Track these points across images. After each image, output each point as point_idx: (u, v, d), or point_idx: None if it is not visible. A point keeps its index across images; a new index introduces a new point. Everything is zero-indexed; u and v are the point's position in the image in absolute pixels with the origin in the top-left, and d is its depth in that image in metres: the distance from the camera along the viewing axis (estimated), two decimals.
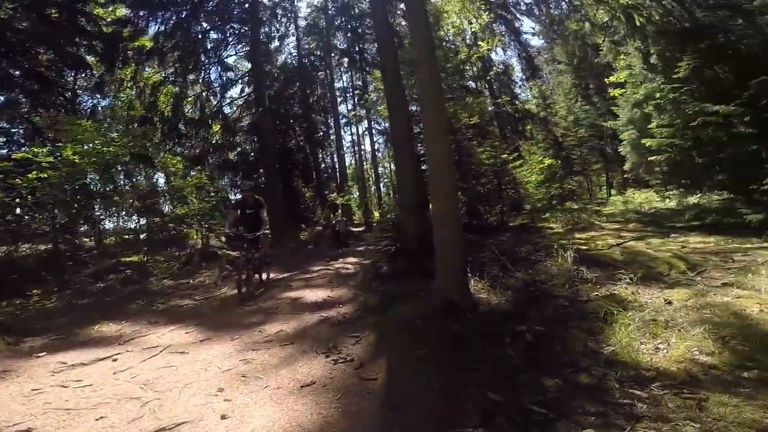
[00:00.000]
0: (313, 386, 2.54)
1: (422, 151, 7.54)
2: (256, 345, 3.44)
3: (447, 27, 12.62)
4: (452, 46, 14.05)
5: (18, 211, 5.63)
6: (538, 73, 19.76)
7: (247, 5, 14.20)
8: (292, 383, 2.61)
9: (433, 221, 3.97)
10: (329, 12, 19.49)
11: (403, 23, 14.28)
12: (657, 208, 10.92)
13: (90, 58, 11.21)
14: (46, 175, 5.17)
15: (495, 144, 8.15)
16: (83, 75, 11.77)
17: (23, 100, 9.76)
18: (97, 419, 2.19)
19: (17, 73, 9.46)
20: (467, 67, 14.65)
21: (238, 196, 16.06)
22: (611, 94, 15.53)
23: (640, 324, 2.79)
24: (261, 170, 14.78)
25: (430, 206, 6.44)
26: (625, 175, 17.24)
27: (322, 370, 2.80)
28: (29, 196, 5.28)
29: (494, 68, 16.78)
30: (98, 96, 12.76)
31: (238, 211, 5.72)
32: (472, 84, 16.05)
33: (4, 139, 9.85)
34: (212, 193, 9.82)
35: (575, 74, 19.83)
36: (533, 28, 18.21)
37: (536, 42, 20.12)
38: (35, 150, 5.29)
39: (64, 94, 10.63)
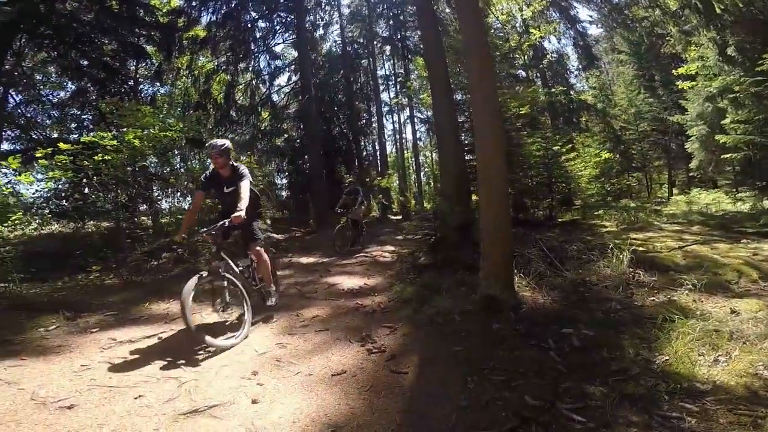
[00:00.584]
0: (344, 375, 2.53)
1: (467, 141, 7.33)
2: (292, 329, 3.49)
3: (496, 14, 12.08)
4: (501, 34, 13.46)
5: (85, 190, 6.13)
6: (596, 63, 18.43)
7: None
8: (323, 371, 2.61)
9: (480, 212, 3.81)
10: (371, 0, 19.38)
11: (447, 10, 13.90)
12: (726, 211, 9.86)
13: (149, 48, 11.89)
14: (110, 157, 5.56)
15: (546, 135, 7.69)
16: (144, 64, 12.53)
17: (91, 88, 10.54)
18: (135, 398, 2.27)
19: (85, 62, 10.21)
20: (517, 55, 13.99)
21: (284, 181, 16.56)
22: (679, 87, 14.17)
23: (700, 334, 2.52)
24: (306, 156, 15.10)
25: (475, 197, 6.28)
26: (691, 174, 15.75)
27: (353, 359, 2.79)
28: (95, 177, 5.71)
29: (547, 57, 15.88)
30: (157, 84, 13.56)
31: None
32: (522, 73, 15.30)
33: (75, 124, 10.75)
34: (260, 178, 10.17)
35: (638, 64, 18.23)
36: (590, 16, 16.91)
37: (594, 30, 18.76)
38: (101, 134, 5.69)
39: (127, 82, 11.38)
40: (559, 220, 7.51)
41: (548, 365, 2.43)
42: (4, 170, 6.15)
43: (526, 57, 14.98)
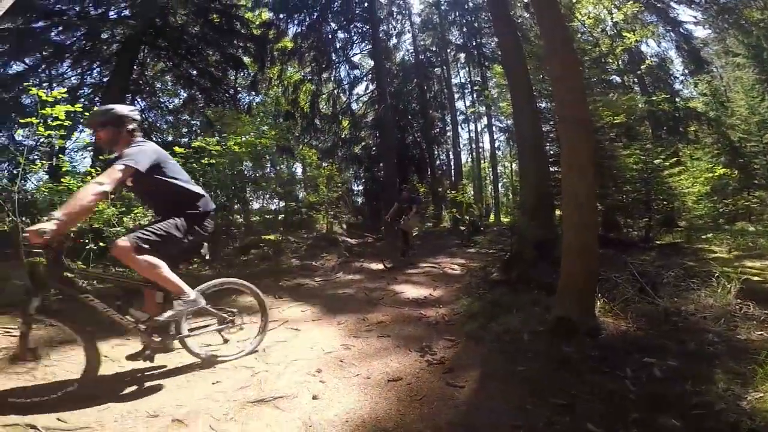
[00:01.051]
0: (400, 382, 2.54)
1: (551, 152, 6.91)
2: (357, 332, 3.58)
3: (582, 17, 11.25)
4: (589, 38, 12.50)
5: None
6: (706, 67, 16.16)
7: (366, 4, 15.01)
8: (381, 375, 2.64)
9: (564, 229, 3.55)
10: (442, 7, 19.29)
11: (526, 15, 13.33)
12: None
13: (246, 59, 13.24)
14: (214, 161, 6.27)
15: (646, 146, 6.94)
16: (242, 74, 13.99)
17: (199, 96, 12.05)
18: (213, 383, 2.48)
19: (194, 72, 11.71)
20: (609, 60, 12.87)
21: (360, 188, 17.12)
22: None
23: None
24: (381, 164, 15.49)
25: (558, 212, 5.89)
26: None
27: (411, 367, 2.78)
28: (201, 179, 6.48)
29: (646, 61, 14.36)
30: (253, 93, 15.05)
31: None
32: (617, 78, 14.02)
33: (186, 129, 12.34)
34: (339, 184, 10.69)
35: (760, 68, 15.53)
36: (695, 17, 14.86)
37: (702, 32, 16.49)
38: (207, 139, 6.46)
39: (228, 91, 12.80)
40: (657, 242, 6.71)
41: (620, 394, 2.23)
42: None
43: (620, 62, 13.71)
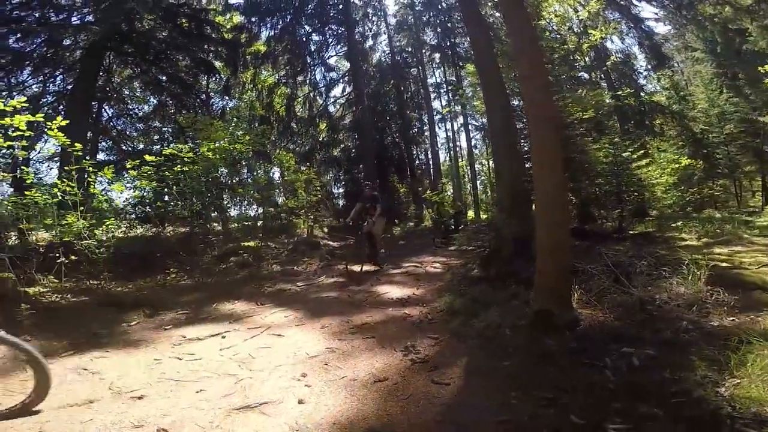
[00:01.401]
0: (386, 383, 2.56)
1: (526, 148, 7.06)
2: (342, 335, 3.58)
3: (549, 15, 11.55)
4: (557, 36, 12.86)
5: (165, 198, 6.80)
6: (668, 62, 16.87)
7: (341, 6, 15.00)
8: (367, 377, 2.66)
9: (537, 226, 3.63)
10: (417, 8, 19.48)
11: (497, 14, 13.59)
12: None
13: (217, 64, 13.00)
14: (187, 169, 6.14)
15: (614, 140, 7.16)
16: (213, 79, 13.73)
17: (170, 102, 11.75)
18: (197, 391, 2.47)
19: (164, 78, 11.41)
20: (577, 57, 13.27)
21: (341, 190, 16.98)
22: None
23: None
24: (360, 166, 15.48)
25: (533, 207, 6.01)
26: None
27: (396, 367, 2.81)
28: (174, 186, 6.33)
29: (611, 58, 14.87)
30: (226, 98, 14.79)
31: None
32: (585, 75, 14.46)
33: (157, 136, 12.01)
34: (318, 187, 10.63)
35: (717, 62, 16.34)
36: (656, 14, 15.48)
37: (662, 28, 17.21)
38: (179, 146, 6.31)
39: (200, 96, 12.53)
40: (630, 232, 6.92)
41: (600, 384, 2.28)
42: (99, 179, 7.03)
43: (587, 59, 14.15)
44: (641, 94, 15.35)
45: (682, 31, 16.15)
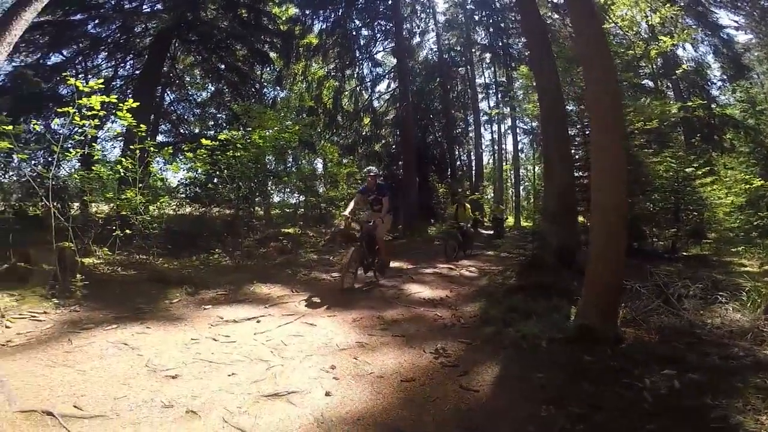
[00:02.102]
0: (413, 383, 2.53)
1: (576, 156, 6.74)
2: (373, 330, 3.58)
3: (615, 19, 10.86)
4: (622, 41, 12.08)
5: (215, 180, 7.14)
6: (746, 73, 15.37)
7: (389, 1, 14.96)
8: (394, 375, 2.64)
9: (591, 237, 3.47)
10: (468, 6, 19.03)
11: (555, 15, 13.00)
12: None
13: (272, 54, 13.42)
14: (239, 154, 6.39)
15: (677, 154, 6.67)
16: (267, 69, 14.17)
17: (226, 90, 12.27)
18: (229, 375, 2.52)
19: (222, 66, 11.93)
20: (643, 64, 12.41)
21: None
22: None
23: None
24: (401, 162, 15.45)
25: (584, 218, 5.74)
26: None
27: (425, 369, 2.77)
28: (225, 171, 6.61)
29: (682, 66, 13.77)
30: (278, 88, 15.25)
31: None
32: (649, 83, 13.52)
33: (213, 122, 12.61)
34: (359, 181, 10.74)
35: None
36: (736, 21, 14.13)
37: (742, 37, 15.69)
38: (233, 133, 6.59)
39: (254, 86, 12.99)
40: (684, 253, 6.46)
41: (637, 405, 2.18)
42: (157, 159, 7.49)
43: (653, 66, 13.20)
44: (712, 106, 14.15)
45: (765, 41, 14.68)
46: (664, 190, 6.42)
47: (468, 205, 7.83)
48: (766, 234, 8.89)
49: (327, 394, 2.34)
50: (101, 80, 4.51)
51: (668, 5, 10.25)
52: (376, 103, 17.65)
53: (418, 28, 18.36)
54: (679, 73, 13.10)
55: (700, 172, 6.56)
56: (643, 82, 12.53)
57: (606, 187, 3.26)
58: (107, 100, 4.37)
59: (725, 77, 15.30)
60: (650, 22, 11.74)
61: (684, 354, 2.79)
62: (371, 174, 5.63)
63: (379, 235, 5.44)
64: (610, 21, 9.71)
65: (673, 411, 2.10)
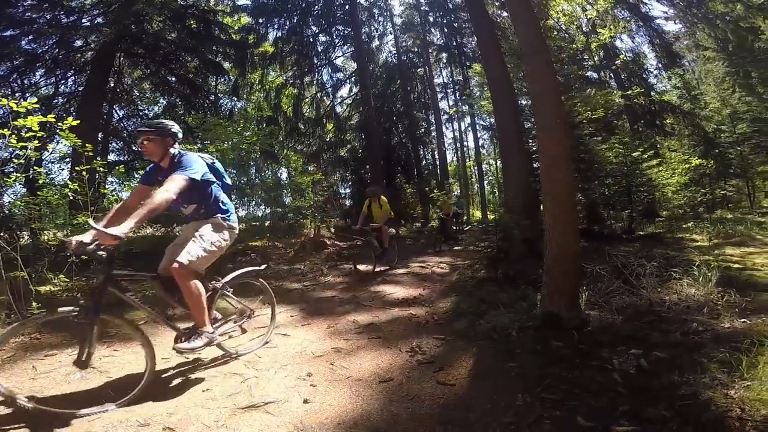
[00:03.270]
0: (391, 383, 2.55)
1: (533, 148, 7.00)
2: (348, 335, 3.58)
3: (556, 15, 11.43)
4: (565, 35, 12.73)
5: None
6: (678, 61, 16.63)
7: (347, 6, 15.02)
8: (372, 376, 2.66)
9: (545, 227, 3.60)
10: (422, 8, 19.47)
11: (504, 14, 13.53)
12: None
13: (226, 65, 13.09)
14: None
15: (624, 140, 7.08)
16: (222, 80, 13.83)
17: (179, 103, 11.85)
18: (203, 391, 2.48)
19: (173, 79, 11.52)
20: (586, 57, 13.14)
21: (348, 190, 17.02)
22: None
23: None
24: (367, 166, 15.49)
25: (542, 208, 5.95)
26: None
27: (402, 367, 2.80)
28: None
29: (621, 57, 14.70)
30: (234, 99, 14.89)
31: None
32: (593, 74, 14.34)
33: None
34: (325, 188, 10.64)
35: (729, 61, 16.06)
36: (665, 12, 15.26)
37: (672, 26, 16.96)
38: (188, 147, 6.35)
39: (208, 97, 12.63)
40: (640, 233, 6.85)
41: (608, 387, 2.26)
42: (110, 179, 7.11)
43: (596, 58, 14.00)
44: (651, 93, 15.16)
45: (692, 30, 15.90)
46: (616, 174, 6.79)
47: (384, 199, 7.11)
48: (710, 208, 9.62)
49: (305, 401, 2.32)
50: (35, 99, 4.23)
51: None
52: (338, 109, 17.63)
53: (377, 31, 18.54)
54: (618, 63, 13.97)
55: (646, 156, 7.00)
56: (587, 74, 13.24)
57: (554, 177, 3.37)
58: (44, 119, 4.11)
59: (660, 66, 16.45)
60: (588, 16, 12.44)
61: (647, 333, 2.91)
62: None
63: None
64: (551, 17, 10.19)
65: (644, 390, 2.17)
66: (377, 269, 6.66)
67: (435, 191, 13.50)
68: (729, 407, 1.93)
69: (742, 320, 3.00)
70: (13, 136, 3.98)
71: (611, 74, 15.07)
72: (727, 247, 5.91)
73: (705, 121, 15.37)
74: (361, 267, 6.58)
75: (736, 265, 4.44)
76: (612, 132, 8.10)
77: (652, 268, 4.40)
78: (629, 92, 12.48)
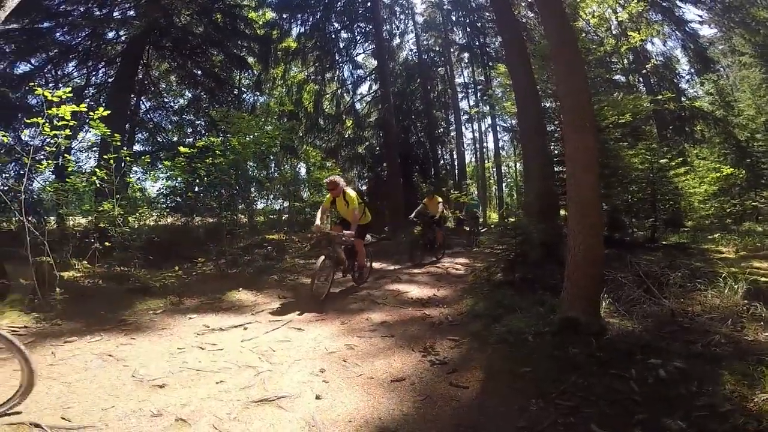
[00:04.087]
0: (403, 382, 2.55)
1: (555, 151, 6.87)
2: (361, 332, 3.59)
3: (586, 16, 11.12)
4: (594, 37, 12.39)
5: (196, 189, 7.01)
6: (713, 67, 15.97)
7: (369, 4, 15.01)
8: (384, 375, 2.66)
9: (568, 231, 3.52)
10: (445, 7, 19.27)
11: (530, 14, 13.27)
12: None
13: (250, 59, 13.27)
14: (218, 161, 6.29)
15: (651, 146, 6.87)
16: (246, 74, 14.03)
17: (204, 96, 12.08)
18: (217, 382, 2.51)
19: (199, 72, 11.75)
20: (614, 60, 12.77)
21: (365, 187, 17.07)
22: None
23: None
24: (384, 164, 15.47)
25: (563, 212, 5.84)
26: None
27: (414, 368, 2.79)
28: (205, 178, 6.50)
29: (651, 60, 14.23)
30: (257, 93, 15.09)
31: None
32: (621, 78, 13.93)
33: (191, 129, 12.38)
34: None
35: (766, 67, 15.34)
36: (700, 16, 14.70)
37: (708, 31, 16.28)
38: (211, 139, 6.47)
39: (232, 91, 12.82)
40: (663, 242, 6.65)
41: (625, 395, 2.22)
42: (135, 169, 7.31)
43: (625, 61, 13.59)
44: (682, 98, 14.64)
45: (729, 35, 15.27)
46: (641, 181, 6.59)
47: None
48: (739, 220, 9.25)
49: (317, 397, 2.34)
50: (69, 89, 4.38)
51: (635, 1, 10.56)
52: (358, 106, 17.62)
53: (398, 29, 18.43)
54: (648, 67, 13.53)
55: (673, 163, 6.78)
56: (615, 78, 12.89)
57: (580, 180, 3.30)
58: (77, 109, 4.25)
59: (693, 71, 15.85)
60: (619, 18, 12.10)
61: (667, 342, 2.85)
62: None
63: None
64: (581, 19, 9.95)
65: (661, 400, 2.13)
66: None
67: (453, 192, 13.37)
68: (746, 420, 1.88)
69: (766, 334, 2.91)
70: (47, 124, 4.12)
71: (640, 78, 14.60)
72: (755, 260, 5.69)
73: (738, 129, 14.73)
74: (376, 265, 6.58)
75: (763, 279, 4.26)
76: (639, 138, 7.85)
77: (676, 278, 4.29)
78: (659, 97, 12.09)
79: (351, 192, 5.15)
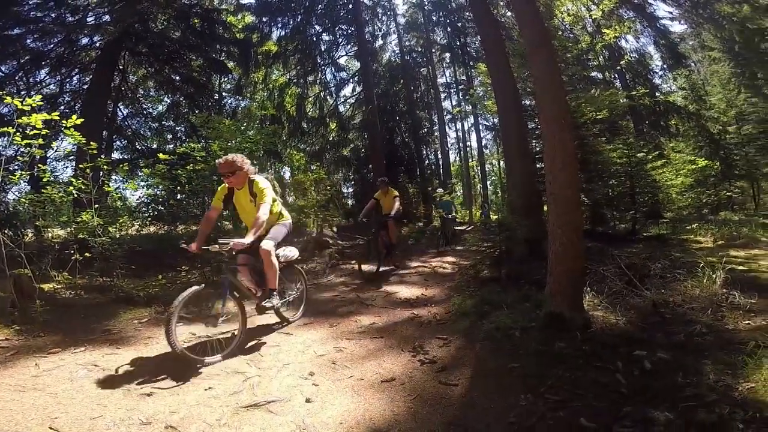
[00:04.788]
0: (393, 383, 2.56)
1: (537, 148, 6.98)
2: (350, 334, 3.58)
3: (561, 15, 11.37)
4: (570, 35, 12.67)
5: (178, 196, 6.87)
6: (684, 62, 16.49)
7: (350, 6, 15.03)
8: (374, 376, 2.66)
9: (549, 227, 3.58)
10: (426, 8, 19.46)
11: (508, 14, 13.49)
12: None
13: (230, 64, 13.13)
14: (199, 167, 6.19)
15: (628, 141, 7.05)
16: (226, 78, 13.88)
17: (183, 101, 11.89)
18: (205, 389, 2.49)
19: (177, 78, 11.55)
20: (590, 57, 13.09)
21: (350, 190, 17.00)
22: None
23: None
24: (370, 166, 15.49)
25: (545, 208, 5.94)
26: None
27: (404, 368, 2.80)
28: (187, 185, 6.37)
29: (625, 57, 14.63)
30: (238, 98, 14.94)
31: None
32: (598, 75, 14.27)
33: (171, 135, 12.16)
34: (328, 187, 10.62)
35: (735, 62, 15.93)
36: (671, 12, 15.16)
37: (678, 27, 16.83)
38: (192, 145, 6.36)
39: (212, 96, 12.66)
40: (644, 234, 6.81)
41: (611, 388, 2.25)
42: (114, 177, 7.12)
43: (601, 58, 13.93)
44: (656, 94, 15.08)
45: (698, 30, 15.79)
46: (620, 175, 6.76)
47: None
48: (715, 210, 9.56)
49: (307, 400, 2.33)
50: (40, 97, 4.25)
51: None
52: (341, 108, 17.61)
53: (380, 30, 18.54)
54: (623, 63, 13.90)
55: (650, 157, 6.96)
56: (592, 75, 13.18)
57: (558, 177, 3.35)
58: (49, 117, 4.13)
59: (665, 66, 16.34)
60: (593, 16, 12.40)
61: (651, 334, 2.90)
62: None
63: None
64: (556, 17, 10.16)
65: (647, 391, 2.16)
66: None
67: (437, 191, 13.46)
68: (733, 409, 1.91)
69: (747, 322, 2.99)
70: (18, 133, 4.00)
71: (616, 75, 15.00)
72: (732, 249, 5.88)
73: (710, 122, 15.27)
74: (365, 267, 6.56)
75: (740, 267, 4.41)
76: (616, 133, 8.05)
77: (657, 269, 4.41)
78: (634, 93, 12.43)
79: (262, 182, 3.43)
